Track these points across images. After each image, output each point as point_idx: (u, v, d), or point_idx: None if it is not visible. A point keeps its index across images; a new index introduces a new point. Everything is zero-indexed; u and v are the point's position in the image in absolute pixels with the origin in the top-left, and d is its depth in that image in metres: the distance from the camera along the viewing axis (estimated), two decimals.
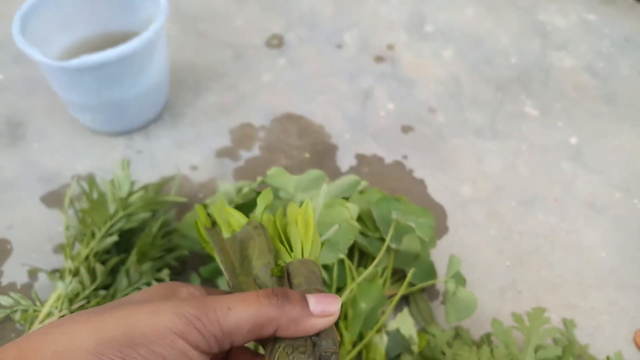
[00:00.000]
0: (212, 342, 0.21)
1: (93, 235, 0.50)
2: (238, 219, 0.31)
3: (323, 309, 0.23)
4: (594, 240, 0.60)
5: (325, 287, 0.49)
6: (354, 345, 0.46)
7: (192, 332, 0.20)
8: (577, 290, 0.56)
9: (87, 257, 0.49)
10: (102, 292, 0.48)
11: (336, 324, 0.48)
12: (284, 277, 0.28)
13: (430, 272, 0.53)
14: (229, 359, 0.28)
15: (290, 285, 0.27)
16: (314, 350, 0.25)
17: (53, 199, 0.62)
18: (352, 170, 0.67)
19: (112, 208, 0.51)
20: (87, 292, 0.47)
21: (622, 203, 0.64)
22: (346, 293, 0.47)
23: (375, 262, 0.50)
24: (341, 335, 0.46)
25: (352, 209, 0.50)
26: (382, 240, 0.51)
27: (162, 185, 0.55)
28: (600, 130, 0.72)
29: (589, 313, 0.54)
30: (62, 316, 0.44)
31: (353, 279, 0.49)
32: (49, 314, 0.46)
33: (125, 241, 0.53)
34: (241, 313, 0.21)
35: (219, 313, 0.21)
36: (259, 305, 0.22)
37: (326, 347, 0.25)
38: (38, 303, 0.51)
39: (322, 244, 0.33)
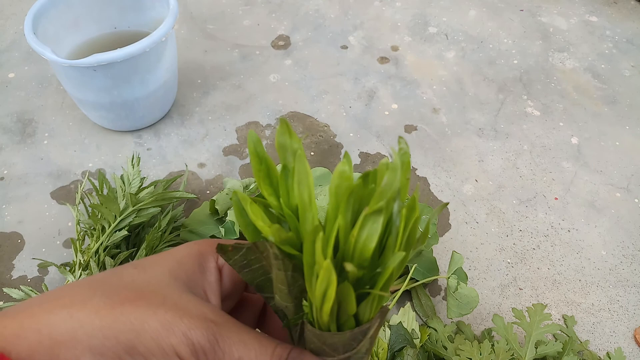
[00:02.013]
0: None
1: (103, 229, 0.51)
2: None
3: None
4: (594, 238, 0.61)
5: None
6: None
7: (182, 340, 0.19)
8: (578, 288, 0.57)
9: (97, 251, 0.50)
10: None
11: None
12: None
13: (432, 268, 0.54)
14: None
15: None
16: None
17: (63, 195, 0.64)
18: (357, 168, 0.68)
19: (122, 203, 0.52)
20: None
21: (622, 202, 0.65)
22: None
23: None
24: None
25: None
26: None
27: (171, 182, 0.56)
28: (601, 131, 0.73)
29: (589, 310, 0.55)
30: None
31: None
32: None
33: (135, 236, 0.54)
34: (242, 352, 0.20)
35: (227, 357, 0.20)
36: (264, 356, 0.21)
37: None
38: None
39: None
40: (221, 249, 0.22)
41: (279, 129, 0.21)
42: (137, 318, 0.19)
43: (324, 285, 0.18)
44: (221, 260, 0.24)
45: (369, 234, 0.18)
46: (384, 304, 0.22)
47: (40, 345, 0.17)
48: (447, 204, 0.22)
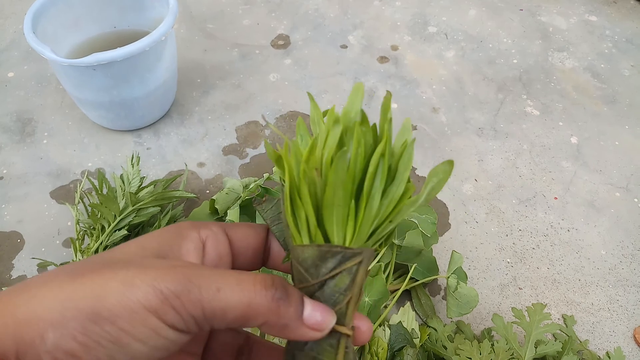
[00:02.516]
0: (191, 324, 0.18)
1: (102, 229, 0.51)
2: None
3: (317, 321, 0.20)
4: (594, 238, 0.61)
5: None
6: None
7: (168, 311, 0.18)
8: (577, 287, 0.57)
9: (96, 251, 0.50)
10: None
11: None
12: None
13: (432, 267, 0.54)
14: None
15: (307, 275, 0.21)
16: None
17: (63, 194, 0.64)
18: None
19: (121, 203, 0.52)
20: None
21: (622, 202, 0.65)
22: None
23: (378, 257, 0.51)
24: None
25: None
26: None
27: (170, 181, 0.56)
28: (600, 130, 0.73)
29: (588, 310, 0.55)
30: None
31: None
32: None
33: (134, 235, 0.54)
34: (230, 299, 0.18)
35: (204, 293, 0.18)
36: (253, 295, 0.19)
37: None
38: None
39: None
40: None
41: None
42: (97, 283, 0.18)
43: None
44: (204, 233, 0.23)
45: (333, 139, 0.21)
46: (371, 248, 0.22)
47: (4, 327, 0.17)
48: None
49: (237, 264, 0.24)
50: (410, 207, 0.22)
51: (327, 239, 0.22)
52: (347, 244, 0.21)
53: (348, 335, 0.21)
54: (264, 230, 0.25)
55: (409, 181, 0.22)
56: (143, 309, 0.17)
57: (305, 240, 0.22)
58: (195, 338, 0.24)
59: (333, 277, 0.21)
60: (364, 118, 0.22)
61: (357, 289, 0.21)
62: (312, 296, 0.21)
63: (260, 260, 0.25)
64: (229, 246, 0.23)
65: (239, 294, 0.19)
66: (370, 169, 0.21)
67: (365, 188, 0.21)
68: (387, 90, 0.22)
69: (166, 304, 0.18)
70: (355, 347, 0.46)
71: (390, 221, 0.22)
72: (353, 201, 0.21)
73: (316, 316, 0.20)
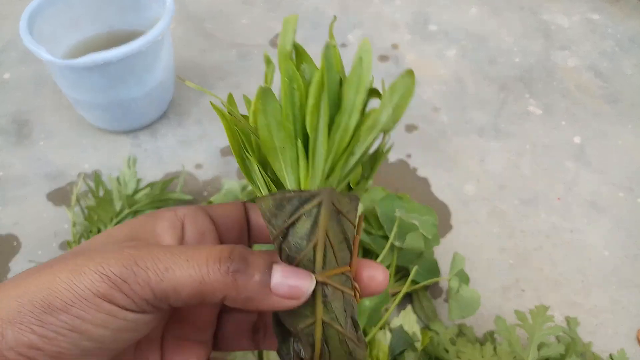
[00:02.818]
0: (145, 305, 0.18)
1: (99, 231, 0.51)
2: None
3: (289, 289, 0.19)
4: (597, 239, 0.60)
5: None
6: None
7: (117, 295, 0.18)
8: (580, 289, 0.56)
9: None
10: None
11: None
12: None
13: (433, 269, 0.53)
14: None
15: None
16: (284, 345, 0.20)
17: (59, 196, 0.63)
18: None
19: (118, 205, 0.51)
20: None
21: (625, 202, 0.64)
22: None
23: (379, 260, 0.50)
24: None
25: None
26: (386, 238, 0.52)
27: (167, 183, 0.56)
28: (603, 130, 0.73)
29: (591, 311, 0.54)
30: None
31: None
32: None
33: None
34: (180, 277, 0.18)
35: (152, 275, 0.18)
36: (205, 271, 0.18)
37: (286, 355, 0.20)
38: None
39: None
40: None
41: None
42: (48, 276, 0.18)
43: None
44: (181, 212, 0.22)
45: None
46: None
47: None
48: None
49: (223, 238, 0.24)
50: (370, 132, 0.21)
51: (283, 186, 0.21)
52: (302, 187, 0.20)
53: (325, 284, 0.19)
54: (243, 204, 0.24)
55: (364, 112, 0.21)
56: (93, 295, 0.18)
57: (265, 193, 0.21)
58: (199, 327, 0.23)
59: (293, 224, 0.20)
60: (299, 52, 0.22)
61: (322, 233, 0.19)
62: (281, 251, 0.20)
63: (243, 235, 0.25)
64: (212, 223, 0.23)
65: (188, 271, 0.18)
66: (310, 101, 0.20)
67: (308, 123, 0.20)
68: (334, 15, 0.22)
69: (114, 289, 0.18)
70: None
71: (352, 153, 0.21)
72: (300, 141, 0.20)
73: (287, 283, 0.19)
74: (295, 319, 0.20)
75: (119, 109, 0.65)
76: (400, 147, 0.70)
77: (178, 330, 0.23)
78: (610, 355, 0.50)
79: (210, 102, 0.22)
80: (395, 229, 0.50)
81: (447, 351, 0.47)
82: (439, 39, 0.86)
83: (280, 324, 0.21)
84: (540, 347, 0.47)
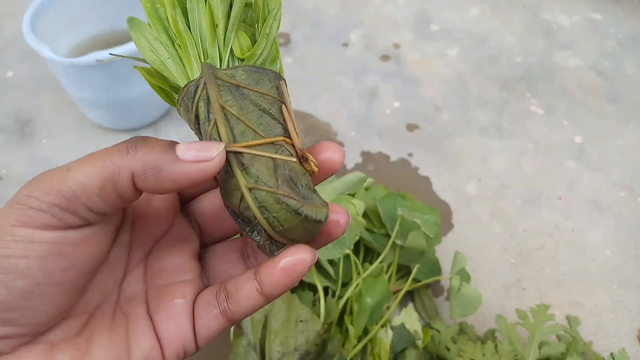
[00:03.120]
0: (60, 214, 0.17)
1: None
2: None
3: (196, 154, 0.18)
4: (598, 238, 0.60)
5: (331, 282, 0.50)
6: (360, 339, 0.47)
7: (27, 213, 0.16)
8: (581, 288, 0.56)
9: None
10: None
11: (341, 315, 0.48)
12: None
13: (435, 268, 0.53)
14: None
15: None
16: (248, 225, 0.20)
17: None
18: (358, 167, 0.67)
19: None
20: None
21: (626, 201, 0.64)
22: (352, 288, 0.48)
23: (380, 258, 0.50)
24: (347, 330, 0.47)
25: (358, 206, 0.51)
26: (388, 236, 0.52)
27: None
28: (604, 129, 0.73)
29: (592, 310, 0.54)
30: None
31: (359, 274, 0.49)
32: None
33: None
34: (83, 170, 0.17)
35: (55, 178, 0.17)
36: (106, 155, 0.18)
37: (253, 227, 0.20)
38: None
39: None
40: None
41: None
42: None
43: None
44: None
45: None
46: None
47: None
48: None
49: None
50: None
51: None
52: (191, 78, 0.22)
53: (238, 153, 0.19)
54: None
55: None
56: (7, 226, 0.17)
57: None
58: (177, 268, 0.22)
59: (197, 114, 0.20)
60: None
61: (217, 107, 0.20)
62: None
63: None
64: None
65: (91, 161, 0.18)
66: (168, 8, 0.22)
67: (171, 24, 0.22)
68: None
69: (23, 209, 0.17)
70: (356, 351, 0.45)
71: (215, 26, 0.22)
72: (170, 43, 0.22)
73: (193, 147, 0.18)
74: (231, 199, 0.20)
75: (121, 108, 0.65)
76: (401, 146, 0.70)
77: (159, 279, 0.22)
78: (611, 355, 0.50)
79: (134, 66, 0.25)
80: (397, 227, 0.50)
81: (448, 349, 0.48)
82: (440, 39, 0.86)
83: (234, 215, 0.21)
84: (541, 345, 0.47)
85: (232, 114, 0.20)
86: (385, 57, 0.83)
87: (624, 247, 0.60)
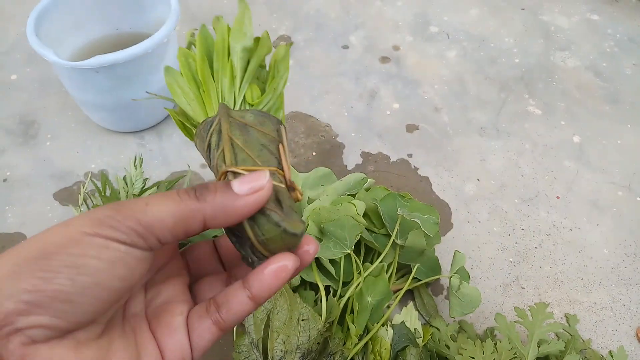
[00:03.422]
0: (134, 236, 0.20)
1: None
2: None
3: (250, 186, 0.21)
4: (597, 237, 0.61)
5: (332, 281, 0.50)
6: (360, 337, 0.48)
7: (106, 229, 0.19)
8: (580, 287, 0.57)
9: None
10: None
11: (342, 314, 0.49)
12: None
13: (434, 267, 0.54)
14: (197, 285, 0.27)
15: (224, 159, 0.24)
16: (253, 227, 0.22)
17: (66, 196, 0.64)
18: (358, 168, 0.68)
19: None
20: None
21: (624, 201, 0.65)
22: (353, 287, 0.49)
23: (381, 258, 0.51)
24: (348, 329, 0.47)
25: (358, 206, 0.52)
26: (388, 236, 0.52)
27: (173, 183, 0.57)
28: (603, 129, 0.73)
29: (591, 309, 0.55)
30: None
31: (360, 273, 0.50)
32: None
33: None
34: (161, 208, 0.20)
35: (135, 208, 0.20)
36: (179, 199, 0.21)
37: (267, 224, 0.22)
38: None
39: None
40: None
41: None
42: (36, 238, 0.19)
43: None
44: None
45: None
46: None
47: None
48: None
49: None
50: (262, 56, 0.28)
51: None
52: (209, 116, 0.27)
53: (233, 172, 0.23)
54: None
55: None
56: (84, 234, 0.19)
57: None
58: (174, 291, 0.25)
59: (209, 142, 0.25)
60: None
61: (226, 137, 0.24)
62: (211, 168, 0.25)
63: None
64: None
65: (166, 202, 0.21)
66: (199, 63, 0.28)
67: (199, 73, 0.28)
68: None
69: (103, 224, 0.19)
70: (357, 349, 0.46)
71: (234, 77, 0.27)
72: (197, 89, 0.27)
73: (246, 182, 0.21)
74: None
75: (125, 110, 0.66)
76: (401, 147, 0.70)
77: (156, 301, 0.25)
78: (610, 352, 0.51)
79: (165, 108, 0.31)
80: (397, 227, 0.51)
81: (448, 347, 0.48)
82: (439, 40, 0.87)
83: (229, 233, 0.24)
84: (540, 343, 0.47)
85: (238, 144, 0.24)
86: (385, 59, 0.83)
87: (623, 245, 0.60)
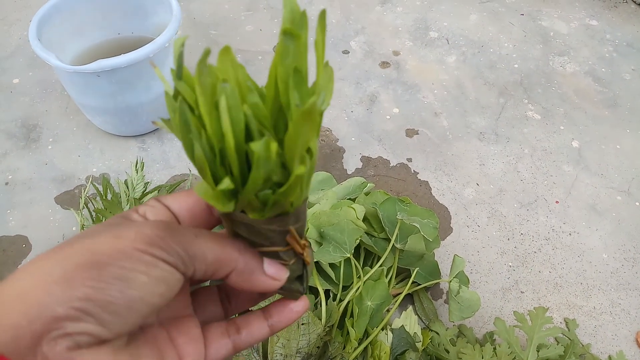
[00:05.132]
0: (179, 260, 0.21)
1: None
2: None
3: (275, 272, 0.23)
4: (596, 241, 0.61)
5: (332, 285, 0.51)
6: (360, 341, 0.48)
7: (156, 249, 0.20)
8: (579, 291, 0.57)
9: None
10: None
11: (342, 318, 0.49)
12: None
13: (434, 271, 0.54)
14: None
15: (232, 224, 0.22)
16: None
17: (67, 200, 0.64)
18: (358, 172, 0.68)
19: (126, 208, 0.52)
20: None
21: (623, 205, 0.65)
22: (352, 291, 0.49)
23: (380, 262, 0.51)
24: (348, 333, 0.48)
25: (358, 210, 0.52)
26: (388, 240, 0.53)
27: (174, 187, 0.57)
28: (601, 134, 0.74)
29: (590, 313, 0.55)
30: None
31: (359, 277, 0.50)
32: None
33: None
34: (208, 243, 0.22)
35: (185, 236, 0.21)
36: (224, 243, 0.22)
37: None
38: None
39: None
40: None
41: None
42: (87, 244, 0.20)
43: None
44: (142, 209, 0.24)
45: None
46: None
47: (8, 306, 0.18)
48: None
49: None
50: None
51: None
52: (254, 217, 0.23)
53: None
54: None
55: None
56: (135, 250, 0.20)
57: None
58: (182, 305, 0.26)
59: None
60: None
61: (230, 231, 0.23)
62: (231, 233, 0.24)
63: (205, 221, 0.26)
64: (170, 212, 0.25)
65: (213, 240, 0.22)
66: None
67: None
68: None
69: (154, 244, 0.20)
70: (357, 353, 0.46)
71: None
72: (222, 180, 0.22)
73: (273, 266, 0.23)
74: None
75: (126, 114, 0.66)
76: (401, 151, 0.71)
77: (167, 314, 0.26)
78: (610, 357, 0.51)
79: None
80: (396, 231, 0.51)
81: (447, 352, 0.48)
82: (439, 45, 0.87)
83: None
84: (539, 348, 0.47)
85: (243, 236, 0.24)
86: (385, 64, 0.84)
87: (622, 250, 0.60)
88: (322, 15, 0.19)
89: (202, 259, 0.21)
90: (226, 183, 0.19)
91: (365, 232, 0.53)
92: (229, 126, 0.19)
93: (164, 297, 0.21)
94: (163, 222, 0.22)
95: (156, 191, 0.55)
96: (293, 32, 0.19)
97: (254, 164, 0.19)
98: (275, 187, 0.21)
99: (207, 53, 0.19)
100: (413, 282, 0.53)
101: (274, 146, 0.18)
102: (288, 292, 0.25)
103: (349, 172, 0.68)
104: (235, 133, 0.19)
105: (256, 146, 0.18)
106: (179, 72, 0.20)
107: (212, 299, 0.28)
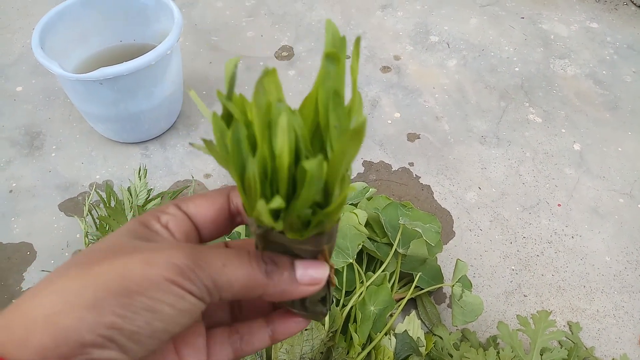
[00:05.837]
0: (205, 292, 0.21)
1: None
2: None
3: (311, 278, 0.23)
4: (598, 244, 0.61)
5: (335, 291, 0.51)
6: (363, 347, 0.48)
7: (185, 280, 0.20)
8: (582, 294, 0.57)
9: None
10: None
11: (345, 323, 0.49)
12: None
13: (437, 276, 0.54)
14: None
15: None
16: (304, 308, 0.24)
17: (71, 207, 0.64)
18: (360, 177, 0.68)
19: (129, 215, 0.53)
20: None
21: (626, 208, 0.65)
22: (355, 296, 0.49)
23: (383, 267, 0.51)
24: (351, 338, 0.48)
25: (360, 215, 0.52)
26: (390, 245, 0.53)
27: (177, 193, 0.57)
28: (603, 137, 0.74)
29: (594, 316, 0.55)
30: None
31: (362, 282, 0.50)
32: None
33: None
34: (235, 273, 0.22)
35: (213, 268, 0.21)
36: (251, 269, 0.22)
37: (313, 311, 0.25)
38: None
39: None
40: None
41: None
42: (117, 267, 0.20)
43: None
44: (164, 219, 0.25)
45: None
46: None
47: (35, 325, 0.18)
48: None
49: (202, 235, 0.26)
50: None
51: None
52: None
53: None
54: (221, 196, 0.26)
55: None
56: (165, 280, 0.20)
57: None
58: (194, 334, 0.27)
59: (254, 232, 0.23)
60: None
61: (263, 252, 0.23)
62: (258, 242, 0.23)
63: (225, 227, 0.27)
64: (191, 222, 0.25)
65: (240, 268, 0.22)
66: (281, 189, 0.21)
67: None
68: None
69: (184, 276, 0.20)
70: (360, 358, 0.46)
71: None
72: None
73: (309, 273, 0.23)
74: None
75: (128, 121, 0.67)
76: (403, 156, 0.71)
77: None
78: None
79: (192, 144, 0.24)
80: (399, 236, 0.51)
81: (451, 356, 0.48)
82: (440, 49, 0.88)
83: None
84: (542, 351, 0.47)
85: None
86: (386, 69, 0.84)
87: (625, 253, 0.60)
88: (357, 41, 0.19)
89: (228, 287, 0.22)
90: (277, 202, 0.19)
91: (368, 237, 0.53)
92: (287, 145, 0.19)
93: (185, 326, 0.21)
94: (191, 247, 0.22)
95: (159, 198, 0.55)
96: (336, 55, 0.20)
97: (305, 183, 0.18)
98: (315, 208, 0.20)
99: (266, 72, 0.19)
100: (416, 287, 0.53)
101: (325, 165, 0.18)
102: (312, 315, 0.25)
103: (351, 178, 0.68)
104: (289, 152, 0.19)
105: (309, 165, 0.18)
106: (230, 93, 0.20)
107: (222, 306, 0.28)
